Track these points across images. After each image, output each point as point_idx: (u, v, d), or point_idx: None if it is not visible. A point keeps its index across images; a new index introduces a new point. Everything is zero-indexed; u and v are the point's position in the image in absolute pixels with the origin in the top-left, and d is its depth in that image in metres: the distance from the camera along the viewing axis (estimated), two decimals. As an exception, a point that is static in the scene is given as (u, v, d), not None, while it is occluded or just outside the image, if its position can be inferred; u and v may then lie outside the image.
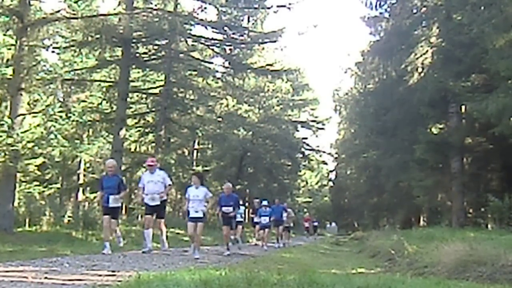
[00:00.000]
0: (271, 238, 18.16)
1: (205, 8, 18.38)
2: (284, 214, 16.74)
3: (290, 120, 34.07)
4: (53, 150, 12.47)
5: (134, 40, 16.05)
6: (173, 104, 20.11)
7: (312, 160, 38.36)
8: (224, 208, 10.69)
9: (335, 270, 7.86)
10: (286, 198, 37.21)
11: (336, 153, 49.39)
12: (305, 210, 51.11)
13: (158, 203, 9.32)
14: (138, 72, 20.50)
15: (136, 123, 21.51)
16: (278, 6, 16.92)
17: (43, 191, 21.32)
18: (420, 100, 17.58)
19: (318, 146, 39.23)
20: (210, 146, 29.40)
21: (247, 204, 27.78)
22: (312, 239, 28.06)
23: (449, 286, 5.21)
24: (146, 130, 22.01)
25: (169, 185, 9.72)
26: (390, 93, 21.23)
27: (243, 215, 16.45)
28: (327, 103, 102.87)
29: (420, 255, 8.83)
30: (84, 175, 25.13)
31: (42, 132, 12.28)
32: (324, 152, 41.80)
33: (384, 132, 21.84)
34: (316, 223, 40.44)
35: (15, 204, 12.80)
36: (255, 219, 16.99)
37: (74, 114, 14.83)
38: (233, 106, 27.05)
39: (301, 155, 35.27)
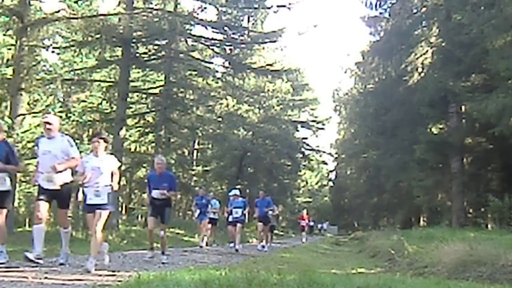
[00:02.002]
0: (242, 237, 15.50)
1: (205, 8, 18.40)
2: (271, 210, 13.81)
3: (290, 120, 34.07)
4: (53, 150, 12.43)
5: (134, 40, 16.04)
6: (173, 104, 20.10)
7: (312, 160, 38.35)
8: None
9: (335, 270, 7.86)
10: (286, 198, 37.26)
11: (336, 153, 49.42)
12: (305, 208, 51.19)
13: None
14: (138, 72, 20.50)
15: (136, 123, 21.50)
16: (278, 6, 16.91)
17: (43, 191, 21.26)
18: (420, 100, 17.58)
19: (318, 146, 39.26)
20: (210, 146, 29.41)
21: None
22: (309, 240, 27.74)
23: (449, 286, 5.20)
24: (146, 130, 22.00)
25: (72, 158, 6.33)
26: (390, 93, 21.24)
27: (218, 213, 14.74)
28: (327, 103, 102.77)
29: (420, 255, 8.83)
30: (84, 175, 25.07)
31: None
32: (324, 152, 41.83)
33: (384, 132, 21.84)
34: (312, 223, 40.17)
35: (15, 204, 12.81)
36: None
37: (74, 114, 14.86)
38: (233, 106, 27.03)
39: (301, 155, 35.27)
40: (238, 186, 34.44)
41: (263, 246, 13.39)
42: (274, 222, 15.38)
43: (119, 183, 7.02)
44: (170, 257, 8.14)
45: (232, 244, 12.42)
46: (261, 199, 13.64)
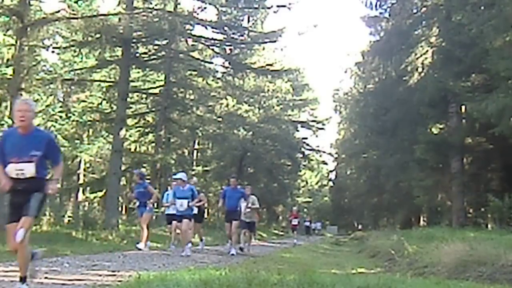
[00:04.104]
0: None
1: (205, 8, 18.47)
2: (242, 204, 10.86)
3: (290, 120, 34.05)
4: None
5: (134, 40, 16.05)
6: (173, 104, 20.11)
7: (312, 160, 38.34)
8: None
9: (335, 270, 7.86)
10: (286, 198, 37.24)
11: (336, 153, 49.41)
12: (305, 207, 51.04)
13: None
14: (138, 72, 20.52)
15: (136, 123, 21.52)
16: (278, 6, 16.92)
17: (43, 191, 21.28)
18: (420, 100, 17.57)
19: (318, 146, 39.20)
20: (210, 146, 29.39)
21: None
22: (309, 240, 27.62)
23: (449, 286, 5.21)
24: (146, 130, 22.02)
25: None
26: (390, 93, 21.24)
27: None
28: (327, 103, 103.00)
29: (420, 255, 8.83)
30: (84, 175, 25.14)
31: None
32: (324, 152, 41.79)
33: (384, 132, 21.84)
34: (308, 223, 39.94)
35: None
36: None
37: (74, 114, 14.88)
38: (233, 106, 27.04)
39: (301, 155, 35.25)
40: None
41: (241, 248, 11.04)
42: (253, 218, 11.83)
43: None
44: (170, 257, 8.15)
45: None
46: (232, 188, 10.66)
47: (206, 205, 12.91)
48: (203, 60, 21.67)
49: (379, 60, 22.69)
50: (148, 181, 12.96)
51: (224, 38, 19.30)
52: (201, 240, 11.90)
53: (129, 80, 16.85)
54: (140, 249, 9.62)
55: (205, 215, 13.03)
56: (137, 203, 10.69)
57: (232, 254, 10.03)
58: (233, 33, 19.33)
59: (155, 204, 12.18)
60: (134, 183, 11.33)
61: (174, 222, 10.28)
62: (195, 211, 10.58)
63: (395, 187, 24.50)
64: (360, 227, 42.58)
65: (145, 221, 10.14)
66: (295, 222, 20.45)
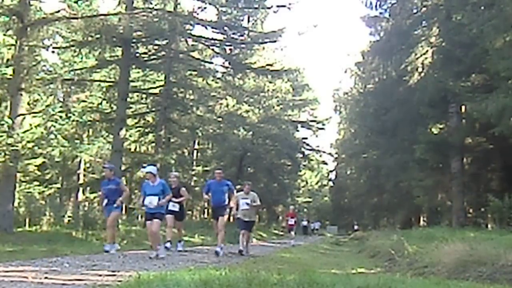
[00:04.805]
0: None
1: (205, 8, 18.42)
2: (241, 200, 10.13)
3: (290, 120, 34.07)
4: (53, 150, 12.47)
5: (134, 40, 16.05)
6: (173, 104, 20.10)
7: (312, 160, 38.38)
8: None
9: (335, 270, 7.86)
10: (286, 198, 37.23)
11: (336, 153, 49.46)
12: (305, 207, 51.00)
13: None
14: (138, 72, 20.50)
15: (136, 123, 21.51)
16: (278, 6, 16.91)
17: (43, 191, 21.34)
18: (420, 100, 17.58)
19: (318, 146, 39.27)
20: (210, 146, 29.38)
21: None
22: (308, 240, 27.54)
23: (449, 286, 5.20)
24: (146, 130, 22.01)
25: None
26: (390, 93, 21.25)
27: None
28: (327, 103, 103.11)
29: (420, 255, 8.83)
30: (84, 175, 25.14)
31: (42, 132, 12.29)
32: (324, 152, 41.84)
33: (384, 132, 21.85)
34: (305, 223, 39.76)
35: (15, 204, 12.81)
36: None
37: (74, 114, 14.85)
38: (233, 106, 27.05)
39: (301, 155, 35.28)
40: (238, 186, 34.52)
41: (221, 248, 9.53)
42: (253, 217, 10.72)
43: None
44: (170, 257, 8.15)
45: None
46: (217, 181, 9.80)
47: (187, 199, 11.58)
48: (203, 60, 21.66)
49: (379, 60, 22.72)
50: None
51: (224, 38, 19.29)
52: (180, 241, 10.84)
53: (129, 80, 16.84)
54: (107, 251, 8.70)
55: (186, 212, 11.88)
56: (105, 202, 9.31)
57: (216, 252, 9.29)
58: (233, 33, 19.32)
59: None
60: (104, 178, 9.90)
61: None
62: (176, 208, 10.12)
63: (395, 187, 24.51)
64: (356, 227, 42.44)
65: (113, 221, 9.38)
66: (291, 221, 19.25)
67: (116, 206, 9.17)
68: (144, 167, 9.26)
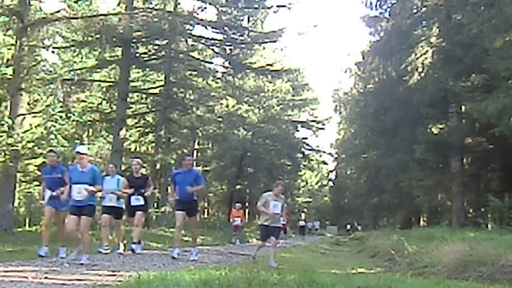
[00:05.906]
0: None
1: (205, 8, 18.41)
2: (272, 202, 8.18)
3: (290, 120, 34.07)
4: (53, 150, 12.44)
5: (134, 40, 16.06)
6: (173, 104, 20.10)
7: (312, 160, 38.37)
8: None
9: (335, 270, 7.86)
10: (286, 198, 37.21)
11: (336, 153, 49.46)
12: (305, 207, 50.75)
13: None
14: (138, 72, 20.49)
15: (136, 123, 21.50)
16: (278, 6, 16.91)
17: (43, 191, 21.28)
18: (420, 100, 17.59)
19: (318, 146, 39.28)
20: (210, 146, 29.39)
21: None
22: (308, 240, 27.50)
23: (449, 286, 5.21)
24: (146, 130, 22.00)
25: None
26: (390, 93, 21.25)
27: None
28: (327, 103, 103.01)
29: (420, 255, 8.83)
30: (84, 175, 25.08)
31: (42, 132, 12.29)
32: (324, 152, 41.84)
33: (384, 132, 21.86)
34: (303, 222, 39.63)
35: (15, 204, 12.82)
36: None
37: (74, 114, 14.86)
38: (233, 106, 27.04)
39: (301, 155, 35.28)
40: (238, 186, 34.92)
41: (180, 250, 8.22)
42: (278, 223, 8.59)
43: None
44: (170, 257, 8.14)
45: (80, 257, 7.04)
46: (185, 171, 8.00)
47: (152, 192, 9.95)
48: (203, 60, 21.66)
49: (379, 60, 22.72)
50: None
51: (224, 38, 19.30)
52: (138, 243, 9.03)
53: (129, 80, 16.85)
54: (41, 256, 7.35)
55: (149, 206, 10.13)
56: (47, 194, 7.54)
57: (173, 257, 7.83)
58: (233, 33, 19.33)
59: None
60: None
61: (104, 216, 8.24)
62: (141, 201, 8.60)
63: (395, 187, 24.51)
64: (348, 227, 42.19)
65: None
66: (283, 221, 17.10)
67: (62, 201, 7.31)
68: (75, 147, 8.09)
